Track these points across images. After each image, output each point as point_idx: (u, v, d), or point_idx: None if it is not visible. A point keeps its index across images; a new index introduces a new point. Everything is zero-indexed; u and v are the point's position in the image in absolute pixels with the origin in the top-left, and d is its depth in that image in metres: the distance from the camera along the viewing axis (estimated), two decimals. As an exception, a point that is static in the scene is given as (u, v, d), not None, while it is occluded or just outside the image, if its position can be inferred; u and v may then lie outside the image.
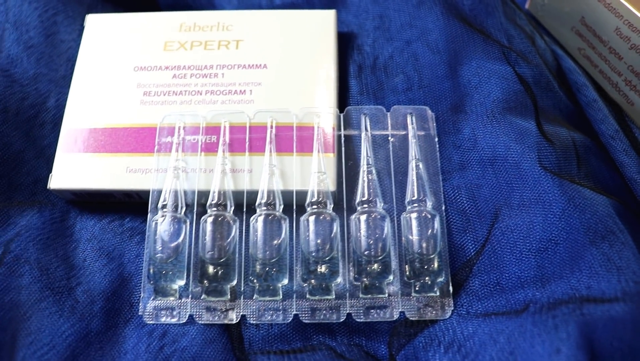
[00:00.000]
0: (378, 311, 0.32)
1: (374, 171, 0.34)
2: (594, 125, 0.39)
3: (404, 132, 0.36)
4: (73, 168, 0.36)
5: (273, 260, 0.32)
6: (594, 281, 0.30)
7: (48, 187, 0.36)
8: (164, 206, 0.34)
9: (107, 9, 0.45)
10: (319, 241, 0.32)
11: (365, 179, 0.34)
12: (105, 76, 0.39)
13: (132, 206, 0.37)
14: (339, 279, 0.32)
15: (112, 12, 0.45)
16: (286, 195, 0.34)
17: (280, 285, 0.32)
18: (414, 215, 0.33)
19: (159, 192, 0.34)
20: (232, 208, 0.34)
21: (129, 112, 0.37)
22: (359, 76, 0.41)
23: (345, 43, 0.42)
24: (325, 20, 0.40)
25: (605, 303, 0.29)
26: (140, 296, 0.33)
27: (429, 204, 0.33)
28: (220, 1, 0.45)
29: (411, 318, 0.32)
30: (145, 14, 0.41)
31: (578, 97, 0.41)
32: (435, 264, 0.32)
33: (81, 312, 0.34)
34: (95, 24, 0.41)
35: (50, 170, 0.37)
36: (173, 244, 0.33)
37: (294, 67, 0.39)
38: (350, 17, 0.43)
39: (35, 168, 0.38)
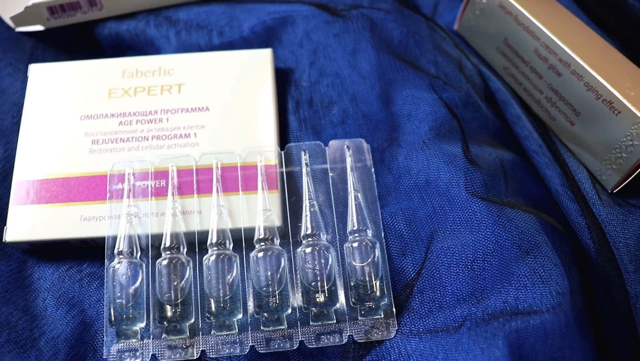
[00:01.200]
0: (328, 336, 0.34)
1: (316, 205, 0.36)
2: (520, 141, 0.42)
3: (342, 165, 0.38)
4: (27, 220, 0.37)
5: (227, 297, 0.34)
6: (522, 293, 0.33)
7: (3, 240, 0.37)
8: (120, 252, 0.35)
9: (48, 54, 0.46)
10: (269, 275, 0.34)
11: (308, 213, 0.36)
12: (53, 126, 0.40)
13: (89, 251, 0.38)
14: (290, 310, 0.34)
15: (54, 56, 0.46)
16: (235, 233, 0.36)
17: (235, 320, 0.34)
18: (355, 244, 0.35)
19: (114, 238, 0.36)
20: (185, 249, 0.36)
21: (78, 161, 0.39)
22: (297, 112, 0.43)
23: (283, 79, 0.44)
24: (262, 60, 0.42)
25: (532, 315, 0.32)
26: (103, 340, 0.35)
27: (369, 233, 0.36)
28: (161, 42, 0.46)
29: (359, 340, 0.35)
30: (88, 61, 0.43)
31: (505, 115, 0.44)
32: (378, 289, 0.34)
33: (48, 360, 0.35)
34: (39, 73, 0.42)
35: (4, 223, 0.38)
36: (131, 289, 0.34)
37: (235, 108, 0.40)
38: (286, 53, 0.45)
39: None
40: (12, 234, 0.37)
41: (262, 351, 0.34)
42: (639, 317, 0.35)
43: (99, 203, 0.37)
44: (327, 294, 0.34)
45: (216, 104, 0.40)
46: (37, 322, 0.36)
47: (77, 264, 0.38)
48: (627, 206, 0.38)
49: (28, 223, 0.37)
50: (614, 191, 0.39)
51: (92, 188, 0.38)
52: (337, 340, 0.34)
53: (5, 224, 0.37)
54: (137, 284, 0.35)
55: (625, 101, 0.36)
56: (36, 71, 0.42)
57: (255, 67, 0.42)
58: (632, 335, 0.34)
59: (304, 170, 0.37)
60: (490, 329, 0.32)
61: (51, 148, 0.39)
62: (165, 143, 0.39)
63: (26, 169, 0.39)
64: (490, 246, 0.35)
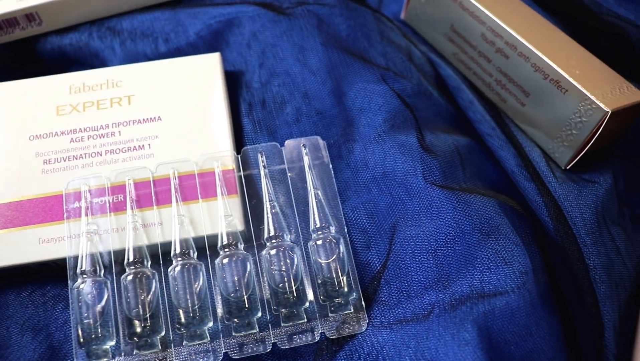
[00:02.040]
0: (300, 336, 0.34)
1: (277, 206, 0.36)
2: (474, 125, 0.43)
3: (300, 164, 0.38)
4: (-17, 247, 0.36)
5: (195, 306, 0.34)
6: (487, 276, 0.34)
7: None
8: (83, 272, 0.34)
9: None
10: (235, 280, 0.34)
11: (270, 215, 0.36)
12: (1, 148, 0.39)
13: (50, 274, 0.38)
14: (260, 313, 0.34)
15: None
16: (198, 241, 0.36)
17: (206, 328, 0.34)
18: (319, 242, 0.35)
19: (75, 258, 0.35)
20: (149, 262, 0.35)
21: (31, 182, 0.38)
22: (250, 114, 0.42)
23: (234, 82, 0.44)
24: (211, 64, 0.42)
25: (498, 296, 0.33)
26: (73, 363, 0.34)
27: (332, 229, 0.36)
28: (106, 54, 0.45)
29: (331, 337, 0.35)
30: (32, 79, 0.42)
31: (457, 101, 0.44)
32: (345, 284, 0.35)
33: None
34: (-17, 94, 0.41)
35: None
36: (98, 307, 0.34)
37: (188, 115, 0.40)
38: (234, 56, 0.45)
39: None
40: None
41: (236, 357, 0.34)
42: (598, 288, 0.36)
43: (56, 223, 0.37)
44: (295, 294, 0.34)
45: (168, 113, 0.40)
46: (2, 351, 0.35)
47: (40, 288, 0.38)
48: (581, 181, 0.39)
49: (-17, 251, 0.36)
50: (567, 168, 0.40)
51: (48, 209, 0.37)
52: (310, 339, 0.34)
53: (-40, 253, 0.36)
54: (104, 302, 0.34)
55: (571, 80, 0.37)
56: (-21, 92, 0.41)
57: (204, 72, 0.42)
58: (594, 305, 0.35)
59: (262, 172, 0.37)
60: (459, 314, 0.33)
61: (1, 171, 0.38)
62: (120, 157, 0.39)
63: (-23, 195, 0.38)
64: (452, 232, 0.36)
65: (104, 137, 0.39)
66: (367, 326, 0.35)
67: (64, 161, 0.39)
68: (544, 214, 0.38)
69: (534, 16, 0.41)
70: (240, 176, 0.38)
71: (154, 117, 0.40)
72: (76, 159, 0.39)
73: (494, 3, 0.41)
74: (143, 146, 0.39)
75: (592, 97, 0.36)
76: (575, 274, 0.36)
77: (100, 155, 0.39)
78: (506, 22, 0.40)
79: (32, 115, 0.40)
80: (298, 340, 0.34)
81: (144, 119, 0.40)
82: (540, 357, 0.33)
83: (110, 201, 0.37)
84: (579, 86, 0.37)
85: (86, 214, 0.36)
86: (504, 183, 0.41)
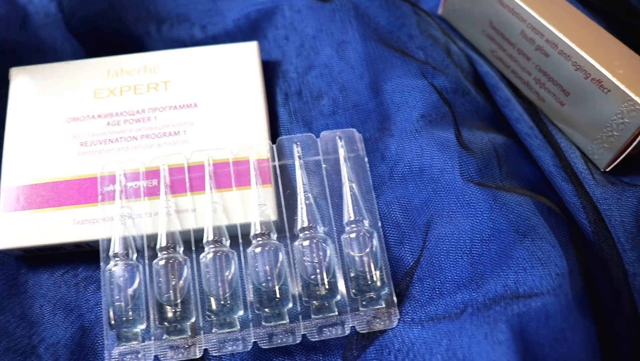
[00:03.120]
0: (330, 328, 0.34)
1: (310, 197, 0.36)
2: (511, 124, 0.42)
3: (335, 156, 0.38)
4: (19, 226, 0.37)
5: (227, 294, 0.34)
6: (522, 276, 0.33)
7: None
8: (115, 255, 0.35)
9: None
10: (267, 270, 0.34)
11: (304, 206, 0.36)
12: (39, 130, 0.39)
13: (83, 255, 0.38)
14: (291, 304, 0.34)
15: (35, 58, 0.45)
16: (231, 229, 0.36)
17: (236, 316, 0.34)
18: (353, 235, 0.35)
19: (109, 240, 0.35)
20: (182, 248, 0.35)
21: (67, 164, 0.38)
22: (286, 104, 0.42)
23: (271, 72, 0.44)
24: (248, 53, 0.42)
25: (533, 297, 0.32)
26: (104, 344, 0.34)
27: (366, 223, 0.36)
28: (144, 38, 0.46)
29: (361, 331, 0.34)
30: (71, 62, 0.42)
31: (495, 99, 0.44)
32: (378, 279, 0.34)
33: None
34: (21, 76, 0.41)
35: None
36: (129, 291, 0.34)
37: (224, 103, 0.40)
38: (272, 46, 0.45)
39: None
40: (4, 241, 0.36)
41: (265, 347, 0.34)
42: (637, 294, 0.35)
43: (90, 205, 0.37)
44: (327, 287, 0.34)
45: (204, 100, 0.40)
46: (35, 329, 0.36)
47: (73, 269, 0.38)
48: (621, 185, 0.38)
49: (19, 230, 0.37)
50: (607, 170, 0.39)
51: (82, 191, 0.37)
52: (340, 332, 0.34)
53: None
54: (135, 286, 0.34)
55: (614, 79, 0.36)
56: (17, 74, 0.41)
57: (241, 60, 0.42)
58: (632, 312, 0.35)
59: (297, 163, 0.37)
60: (492, 314, 0.32)
61: (38, 152, 0.39)
62: (155, 142, 0.39)
63: (14, 175, 0.38)
64: (488, 231, 0.35)
65: (139, 121, 0.40)
66: (399, 322, 0.35)
67: (100, 144, 0.39)
68: (582, 217, 0.37)
69: (576, 14, 0.40)
70: (275, 166, 0.38)
71: (190, 104, 0.40)
72: (112, 142, 0.39)
73: None
74: (178, 132, 0.39)
75: (636, 98, 0.35)
76: (613, 279, 0.36)
77: (136, 139, 0.39)
78: (547, 19, 0.39)
79: (70, 98, 0.41)
80: (328, 333, 0.34)
81: (179, 105, 0.40)
82: (574, 359, 0.32)
83: (145, 185, 0.37)
84: (622, 86, 0.36)
85: (120, 198, 0.36)
86: (541, 183, 0.40)
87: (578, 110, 0.39)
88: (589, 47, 0.38)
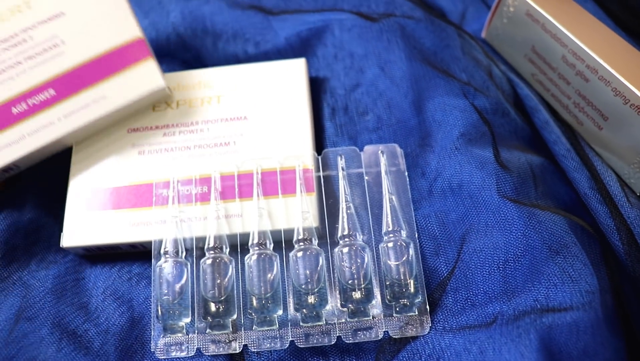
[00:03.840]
0: (364, 332, 0.36)
1: (352, 207, 0.38)
2: (548, 146, 0.43)
3: (376, 169, 0.40)
4: (81, 226, 0.40)
5: (268, 294, 0.36)
6: (552, 292, 0.34)
7: (61, 245, 0.40)
8: (166, 252, 0.37)
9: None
10: (307, 273, 0.36)
11: (345, 215, 0.38)
12: (103, 139, 0.43)
13: (137, 255, 0.41)
14: (328, 307, 0.36)
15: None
16: (275, 234, 0.38)
17: (275, 316, 0.36)
18: (390, 244, 0.37)
19: (161, 240, 0.38)
20: (228, 249, 0.38)
21: (127, 170, 0.41)
22: (333, 118, 0.45)
23: (319, 87, 0.46)
24: (296, 69, 0.44)
25: (562, 312, 0.33)
26: (151, 335, 0.37)
27: (404, 234, 0.37)
28: (201, 51, 0.49)
29: (394, 336, 0.36)
30: None
31: (533, 121, 0.45)
32: (412, 287, 0.36)
33: (98, 352, 0.37)
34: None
35: (60, 230, 0.40)
36: (177, 286, 0.36)
37: (272, 116, 0.42)
38: (320, 63, 0.47)
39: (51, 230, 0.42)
40: (68, 240, 0.40)
41: (302, 346, 0.36)
42: (668, 316, 0.35)
43: (146, 209, 0.40)
44: (363, 292, 0.36)
45: (254, 113, 0.43)
46: (89, 316, 0.39)
47: (127, 265, 0.41)
48: (656, 208, 0.38)
49: (82, 230, 0.40)
50: (643, 194, 0.39)
51: (139, 196, 0.40)
52: (373, 336, 0.36)
53: (62, 231, 0.40)
54: (183, 281, 0.37)
55: (653, 105, 0.37)
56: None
57: (290, 76, 0.44)
58: (662, 332, 0.35)
59: (340, 174, 0.39)
60: (522, 325, 0.33)
61: (102, 159, 0.42)
62: (207, 152, 0.41)
63: (80, 180, 0.41)
64: (521, 247, 0.36)
65: (193, 133, 0.42)
66: (430, 330, 0.36)
67: (157, 153, 0.42)
68: (615, 238, 0.38)
69: (617, 40, 0.41)
70: (319, 176, 0.40)
71: (241, 117, 0.43)
72: (167, 151, 0.42)
73: (577, 25, 0.41)
74: (229, 142, 0.42)
75: (674, 124, 0.36)
76: (645, 300, 0.36)
77: (189, 149, 0.42)
78: (588, 45, 0.40)
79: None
80: (362, 336, 0.36)
81: (231, 118, 0.43)
82: None
83: (197, 191, 0.40)
84: (660, 113, 0.37)
85: (173, 202, 0.39)
86: (576, 205, 0.41)
87: (616, 134, 0.40)
88: (629, 73, 0.38)
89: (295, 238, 0.37)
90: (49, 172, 0.43)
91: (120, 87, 0.40)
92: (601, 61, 0.39)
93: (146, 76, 0.41)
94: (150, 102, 0.42)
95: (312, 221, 0.38)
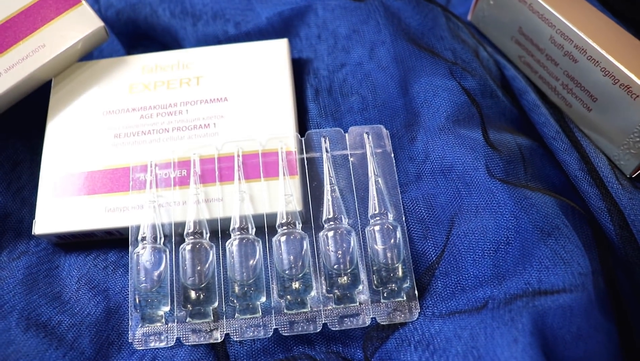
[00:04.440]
0: (351, 319, 0.35)
1: (337, 190, 0.37)
2: (537, 128, 0.43)
3: (362, 151, 0.39)
4: (55, 213, 0.38)
5: (250, 280, 0.34)
6: (544, 275, 0.33)
7: (33, 233, 0.38)
8: (143, 238, 0.36)
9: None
10: (291, 258, 0.35)
11: (330, 197, 0.36)
12: (77, 122, 0.41)
13: (114, 242, 0.39)
14: (313, 293, 0.35)
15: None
16: (257, 218, 0.37)
17: (258, 303, 0.35)
18: (377, 228, 0.35)
19: (138, 226, 0.36)
20: (208, 235, 0.36)
21: (102, 155, 0.40)
22: (316, 99, 0.43)
23: (302, 68, 0.45)
24: (278, 50, 0.43)
25: (555, 294, 0.32)
26: (128, 325, 0.35)
27: (390, 217, 0.36)
28: (179, 32, 0.47)
29: (382, 323, 0.35)
30: (109, 60, 0.44)
31: (521, 103, 0.44)
32: (400, 272, 0.35)
33: (72, 344, 0.36)
34: (62, 72, 0.43)
35: (31, 216, 0.38)
36: (155, 273, 0.35)
37: (254, 98, 0.41)
38: (304, 43, 0.46)
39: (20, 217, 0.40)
40: (41, 227, 0.38)
41: (286, 334, 0.34)
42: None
43: (122, 194, 0.38)
44: (349, 278, 0.34)
45: (234, 95, 0.41)
46: (64, 307, 0.37)
47: (103, 253, 0.39)
48: (646, 190, 0.38)
49: (55, 216, 0.38)
50: (633, 176, 0.39)
51: (115, 180, 0.39)
52: (360, 322, 0.34)
53: (34, 218, 0.38)
54: (161, 269, 0.35)
55: (643, 85, 0.36)
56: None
57: (271, 57, 0.43)
58: (656, 315, 0.35)
59: (324, 156, 0.38)
60: (514, 308, 0.32)
61: (76, 143, 0.40)
62: (186, 134, 0.40)
63: (53, 164, 0.40)
64: (512, 229, 0.35)
65: (172, 115, 0.41)
66: (419, 316, 0.35)
67: (133, 135, 0.40)
68: (606, 220, 0.37)
69: (605, 20, 0.40)
70: (303, 158, 0.39)
71: (221, 98, 0.41)
72: (144, 134, 0.40)
73: (564, 6, 0.41)
74: (208, 124, 0.40)
75: (665, 104, 0.35)
76: (637, 282, 0.35)
77: (168, 131, 0.40)
78: (576, 25, 0.40)
79: (106, 92, 0.42)
80: (348, 323, 0.35)
81: (210, 99, 0.41)
82: (595, 360, 0.32)
83: (175, 175, 0.38)
84: (651, 92, 0.36)
85: (151, 186, 0.37)
86: (566, 187, 0.40)
87: (605, 116, 0.39)
88: (618, 52, 0.38)
89: (278, 222, 0.36)
90: (12, 157, 0.42)
91: (58, 34, 0.40)
92: (590, 41, 0.39)
93: (82, 19, 0.41)
94: (90, 46, 0.43)
95: (296, 204, 0.37)
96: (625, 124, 0.38)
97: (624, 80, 0.37)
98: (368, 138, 0.39)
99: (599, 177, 0.39)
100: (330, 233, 0.35)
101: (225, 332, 0.35)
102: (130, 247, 0.36)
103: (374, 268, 0.35)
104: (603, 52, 0.38)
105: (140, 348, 0.35)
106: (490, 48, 0.47)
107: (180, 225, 0.37)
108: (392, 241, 0.35)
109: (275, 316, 0.35)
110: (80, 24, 0.41)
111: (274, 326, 0.35)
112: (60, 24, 0.40)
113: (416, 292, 0.35)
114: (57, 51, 0.40)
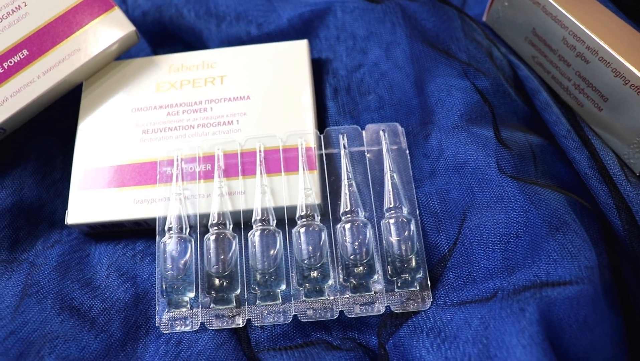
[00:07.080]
0: (366, 306, 0.36)
1: (354, 184, 0.38)
2: (548, 126, 0.44)
3: (378, 148, 0.40)
4: (86, 204, 0.40)
5: (271, 269, 0.36)
6: (552, 267, 0.34)
7: (65, 223, 0.40)
8: (169, 229, 0.38)
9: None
10: (310, 249, 0.36)
11: (347, 191, 0.38)
12: (107, 119, 0.43)
13: (141, 232, 0.41)
14: (330, 282, 0.36)
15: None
16: (278, 211, 0.38)
17: (279, 291, 0.37)
18: (392, 221, 0.37)
19: (165, 217, 0.38)
20: (231, 225, 0.38)
21: (131, 149, 0.42)
22: (335, 98, 0.45)
23: (321, 68, 0.46)
24: (299, 50, 0.45)
25: (562, 286, 0.33)
26: (155, 310, 0.37)
27: (405, 210, 0.38)
28: (203, 33, 0.49)
29: (396, 311, 0.36)
30: (137, 59, 0.46)
31: (534, 102, 0.45)
32: (414, 263, 0.36)
33: (103, 327, 0.38)
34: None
35: (63, 207, 0.41)
36: (181, 262, 0.37)
37: (275, 96, 0.43)
38: (323, 44, 0.47)
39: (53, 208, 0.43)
40: (73, 217, 0.40)
41: (305, 321, 0.36)
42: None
43: (150, 187, 0.40)
44: (365, 267, 0.36)
45: (257, 93, 0.43)
46: (95, 293, 0.39)
47: (131, 243, 0.41)
48: (655, 188, 0.39)
49: (86, 207, 0.40)
50: (642, 174, 0.40)
51: (143, 174, 0.41)
52: (375, 310, 0.36)
53: (67, 209, 0.40)
54: (187, 257, 0.37)
55: (653, 86, 0.37)
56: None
57: (292, 57, 0.44)
58: (662, 310, 0.35)
59: (342, 152, 0.40)
60: (522, 298, 0.33)
61: (106, 138, 0.42)
62: (210, 130, 0.42)
63: (84, 159, 0.42)
64: (522, 223, 0.36)
65: (197, 112, 0.43)
66: (431, 305, 0.36)
67: (160, 132, 0.42)
68: (614, 216, 0.38)
69: (617, 22, 0.41)
70: (322, 154, 0.40)
71: (244, 96, 0.43)
72: (171, 130, 0.42)
73: (578, 8, 0.42)
74: (232, 121, 0.42)
75: (674, 104, 0.36)
76: (644, 278, 0.37)
77: (193, 128, 0.42)
78: (588, 26, 0.40)
79: (135, 91, 0.44)
80: (364, 310, 0.36)
81: (234, 98, 0.43)
82: (600, 351, 0.33)
83: (200, 169, 0.40)
84: (660, 93, 0.37)
85: (177, 180, 0.39)
86: (576, 185, 0.41)
87: (616, 115, 0.40)
88: (629, 53, 0.39)
89: (297, 215, 0.38)
90: (46, 152, 0.44)
91: (92, 38, 0.42)
92: (601, 42, 0.40)
93: (115, 24, 0.43)
94: (122, 49, 0.44)
95: (315, 198, 0.38)
96: (635, 124, 0.39)
97: (634, 81, 0.38)
98: (384, 135, 0.40)
99: (608, 175, 0.40)
100: (348, 225, 0.37)
101: (247, 318, 0.36)
102: (157, 237, 0.38)
103: (389, 258, 0.37)
104: (614, 53, 0.39)
105: (167, 331, 0.37)
106: (504, 49, 0.48)
107: (205, 216, 0.38)
108: (406, 233, 0.37)
109: (294, 303, 0.36)
110: (114, 28, 0.43)
111: (293, 313, 0.36)
112: (95, 28, 0.42)
113: (429, 282, 0.37)
114: (92, 54, 0.42)
